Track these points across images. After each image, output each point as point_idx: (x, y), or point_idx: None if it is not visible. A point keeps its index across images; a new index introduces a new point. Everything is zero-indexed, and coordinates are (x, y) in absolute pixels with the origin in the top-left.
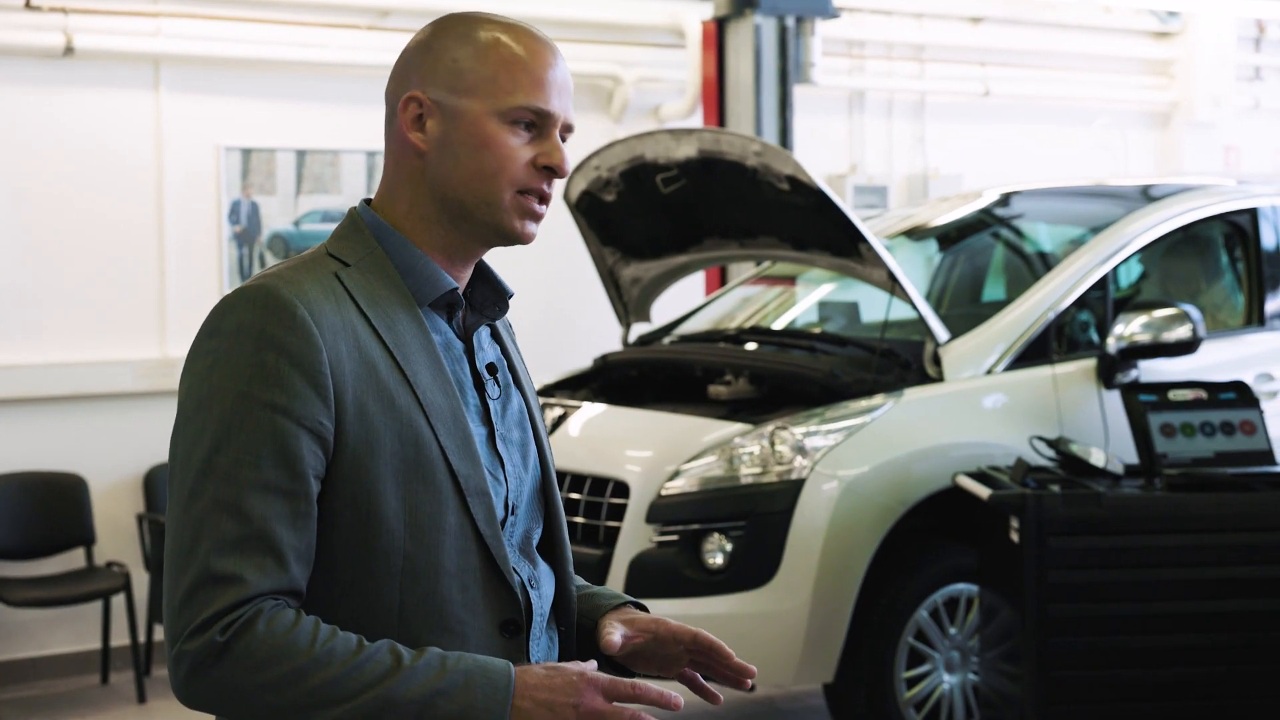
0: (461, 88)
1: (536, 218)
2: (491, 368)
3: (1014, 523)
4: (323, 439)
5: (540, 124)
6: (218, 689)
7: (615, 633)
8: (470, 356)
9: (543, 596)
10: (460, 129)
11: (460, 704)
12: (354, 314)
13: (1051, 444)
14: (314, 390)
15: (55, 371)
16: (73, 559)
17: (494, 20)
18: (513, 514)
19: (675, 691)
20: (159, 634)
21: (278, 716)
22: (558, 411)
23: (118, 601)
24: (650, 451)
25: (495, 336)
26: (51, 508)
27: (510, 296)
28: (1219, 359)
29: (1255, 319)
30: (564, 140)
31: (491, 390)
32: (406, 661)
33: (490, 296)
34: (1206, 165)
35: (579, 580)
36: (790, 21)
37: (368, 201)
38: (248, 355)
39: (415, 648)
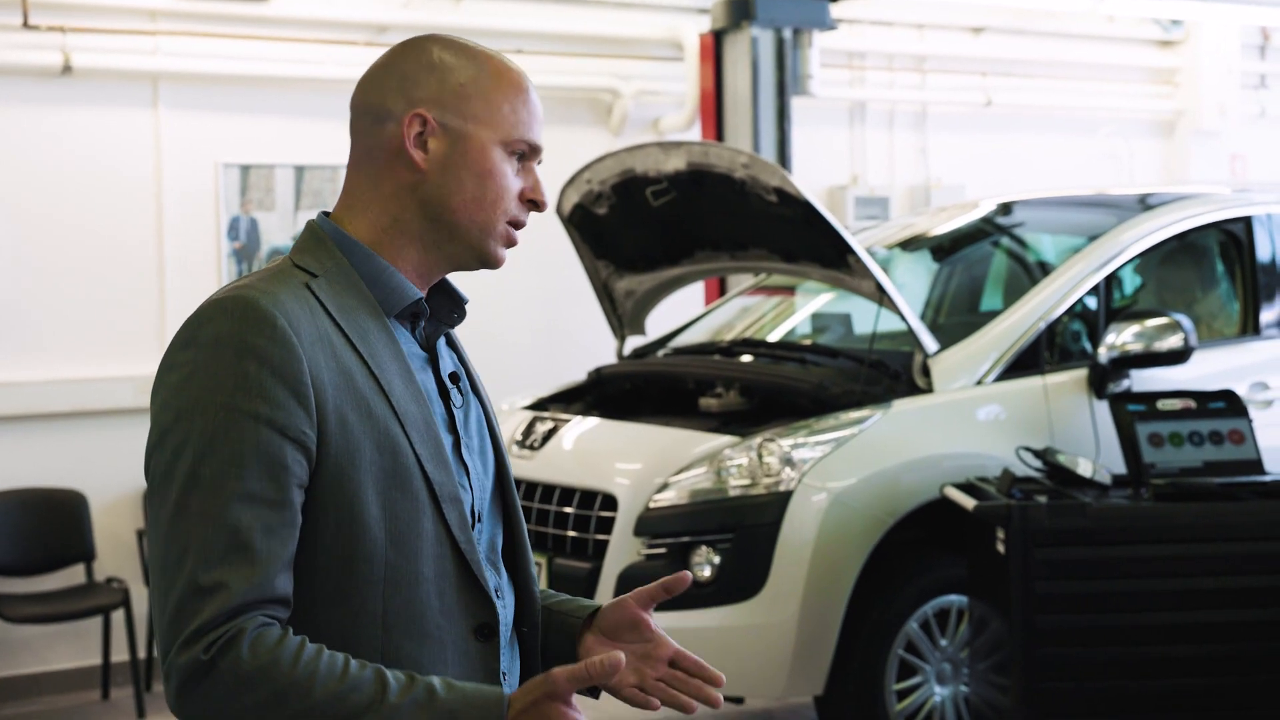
0: (469, 113)
1: (513, 245)
2: (454, 377)
3: (1000, 534)
4: (306, 449)
5: (529, 157)
6: (203, 707)
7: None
8: (434, 366)
9: (506, 606)
10: (468, 154)
11: None
12: (327, 324)
13: (1039, 454)
14: (296, 400)
15: (56, 388)
16: (73, 575)
17: (485, 49)
18: (479, 521)
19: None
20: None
21: None
22: (549, 425)
23: (118, 617)
24: (639, 464)
25: (451, 345)
26: (52, 524)
27: (465, 303)
28: (1214, 368)
29: (1250, 328)
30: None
31: (455, 399)
32: (392, 695)
33: (446, 305)
34: (1213, 174)
35: (553, 593)
36: (787, 33)
37: (326, 214)
38: (228, 366)
39: (398, 655)
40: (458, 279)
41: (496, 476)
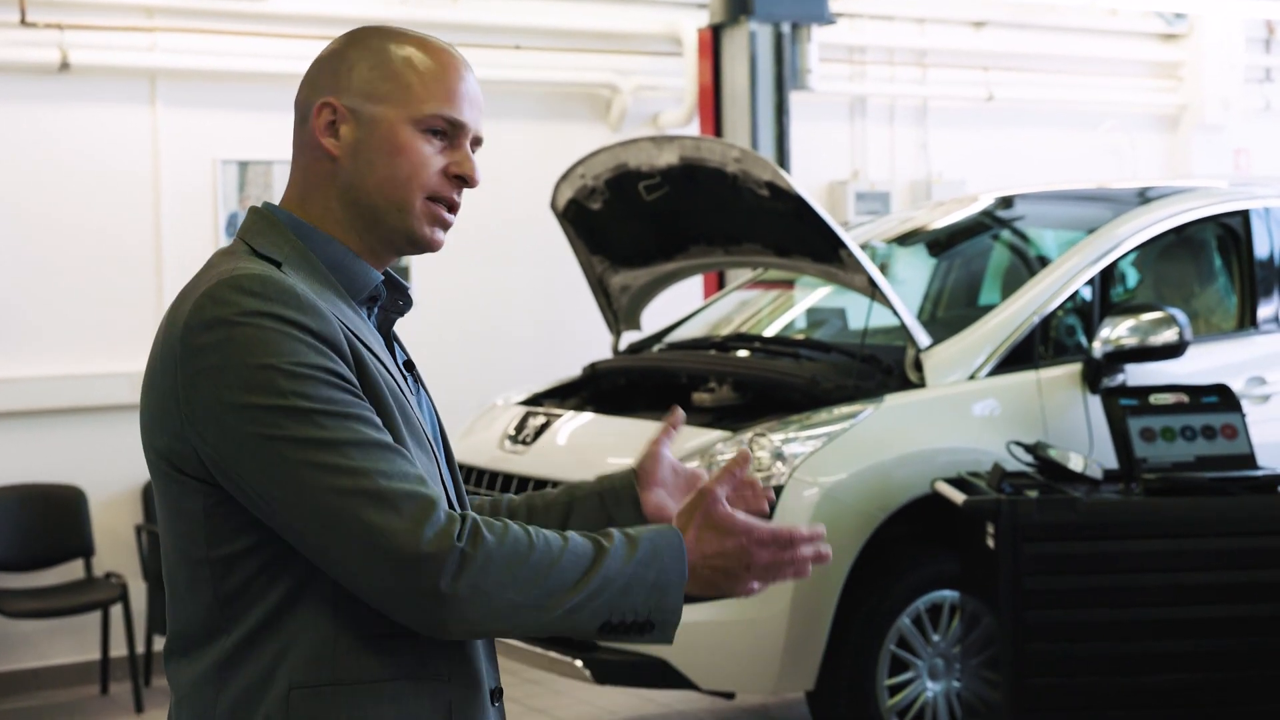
0: (377, 95)
1: (445, 225)
2: (409, 364)
3: (990, 528)
4: (365, 403)
5: (452, 133)
6: (470, 594)
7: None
8: (391, 353)
9: None
10: (375, 135)
11: (655, 571)
12: None
13: (1029, 449)
14: (342, 360)
15: (54, 384)
16: (71, 570)
17: (409, 33)
18: None
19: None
20: (157, 644)
21: (522, 614)
22: (541, 420)
23: (116, 612)
24: (630, 459)
25: (396, 338)
26: (50, 519)
27: (408, 290)
28: (1212, 363)
29: (1248, 322)
30: (474, 152)
31: (411, 385)
32: (605, 541)
33: (393, 294)
34: (1217, 168)
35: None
36: (786, 28)
37: (270, 205)
38: (275, 333)
39: None
40: (455, 273)
41: (447, 469)
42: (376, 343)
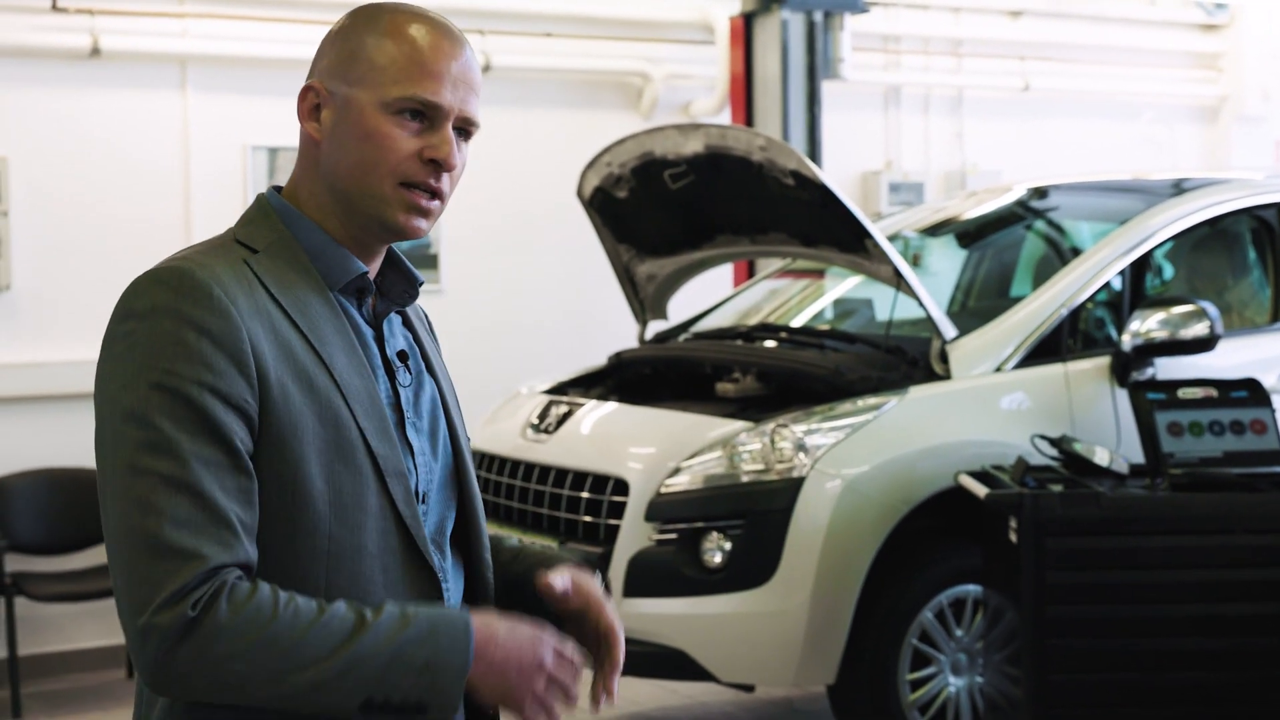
0: (353, 77)
1: (424, 213)
2: (403, 355)
3: (1012, 522)
4: (249, 418)
5: (430, 116)
6: (193, 663)
7: (559, 580)
8: (380, 343)
9: (451, 589)
10: (348, 118)
11: (427, 651)
12: (265, 299)
13: (1054, 442)
14: (237, 369)
15: (81, 369)
16: (98, 554)
17: (402, 11)
18: (423, 502)
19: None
20: None
21: (252, 686)
22: (564, 409)
23: None
24: (652, 449)
25: (407, 325)
26: (77, 503)
27: (420, 284)
28: (1245, 357)
29: None
30: (468, 136)
31: (402, 378)
32: (370, 616)
33: (400, 284)
34: (1257, 160)
35: (515, 541)
36: (818, 16)
37: (278, 189)
38: (167, 335)
39: None
40: (483, 261)
41: (454, 460)
42: (337, 339)
